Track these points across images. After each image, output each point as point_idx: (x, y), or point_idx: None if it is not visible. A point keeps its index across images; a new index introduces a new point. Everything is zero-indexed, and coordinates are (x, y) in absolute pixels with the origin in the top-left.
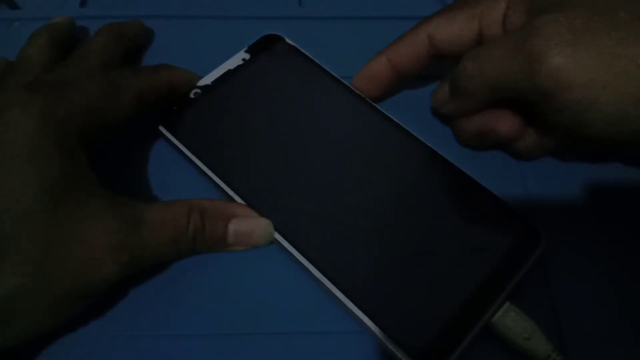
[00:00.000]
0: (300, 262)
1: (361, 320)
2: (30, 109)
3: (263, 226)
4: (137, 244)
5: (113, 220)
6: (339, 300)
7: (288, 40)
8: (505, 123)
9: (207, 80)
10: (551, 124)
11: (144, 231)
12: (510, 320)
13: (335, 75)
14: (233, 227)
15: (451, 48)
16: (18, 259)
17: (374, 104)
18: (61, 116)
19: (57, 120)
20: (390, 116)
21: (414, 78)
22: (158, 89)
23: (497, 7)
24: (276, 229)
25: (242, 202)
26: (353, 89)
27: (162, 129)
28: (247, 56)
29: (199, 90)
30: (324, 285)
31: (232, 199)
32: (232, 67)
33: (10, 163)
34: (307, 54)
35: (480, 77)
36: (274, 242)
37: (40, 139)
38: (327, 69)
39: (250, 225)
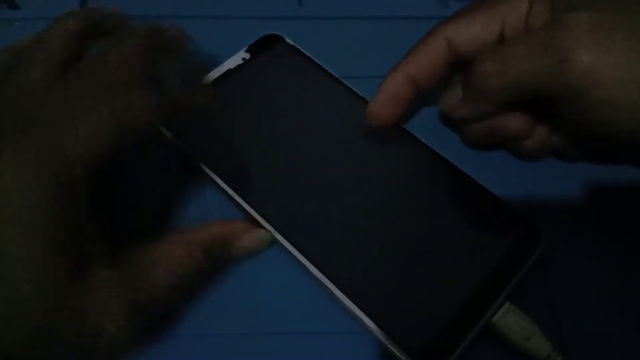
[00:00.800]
0: (300, 262)
1: (361, 320)
2: (26, 161)
3: (262, 239)
4: (146, 305)
5: (119, 292)
6: (339, 300)
7: (288, 40)
8: (516, 120)
9: (207, 80)
10: (571, 123)
11: (150, 288)
12: (511, 320)
13: (335, 75)
14: (236, 249)
15: (472, 51)
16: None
17: None
18: (64, 162)
19: (58, 169)
20: None
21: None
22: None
23: (520, 5)
24: (276, 229)
25: (242, 201)
26: (353, 89)
27: (162, 128)
28: (247, 56)
29: None
30: (324, 285)
31: (231, 198)
32: (232, 67)
33: (9, 230)
34: (307, 54)
35: (501, 76)
36: (275, 242)
37: (41, 201)
38: (327, 69)
39: (251, 242)
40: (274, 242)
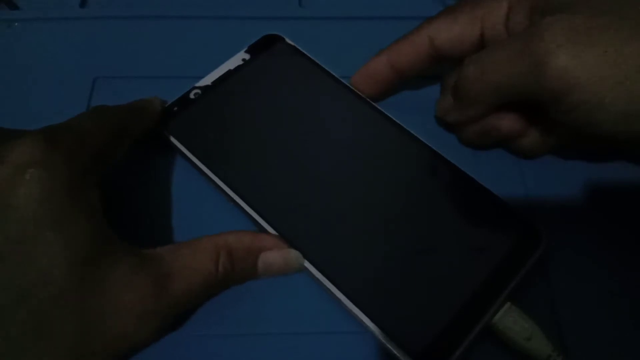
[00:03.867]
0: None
1: (362, 320)
2: (52, 167)
3: (293, 258)
4: (167, 304)
5: (141, 286)
6: (340, 300)
7: (288, 40)
8: (508, 121)
9: (207, 80)
10: (558, 124)
11: (173, 289)
12: (511, 320)
13: (335, 75)
14: (262, 261)
15: (452, 50)
16: (52, 343)
17: (375, 104)
18: (81, 171)
19: (78, 177)
20: (391, 116)
21: (415, 78)
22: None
23: (499, 8)
24: (276, 229)
25: (242, 202)
26: (353, 89)
27: (161, 129)
28: (247, 56)
29: (199, 91)
30: (325, 285)
31: (231, 199)
32: (232, 67)
33: (35, 233)
34: (307, 54)
35: (483, 81)
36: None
37: (63, 202)
38: (327, 69)
39: (279, 258)
40: (302, 267)
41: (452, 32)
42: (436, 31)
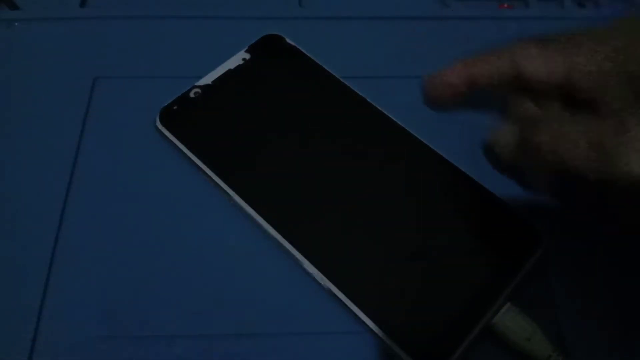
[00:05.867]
0: (301, 263)
1: (362, 320)
2: None
3: None
4: None
5: None
6: (340, 300)
7: (288, 40)
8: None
9: (207, 80)
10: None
11: None
12: (511, 320)
13: (335, 75)
14: None
15: (534, 83)
16: None
17: (375, 105)
18: None
19: None
20: (391, 117)
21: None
22: None
23: (602, 65)
24: (277, 229)
25: (242, 202)
26: (353, 89)
27: (161, 127)
28: (247, 56)
29: (199, 90)
30: (325, 285)
31: (231, 199)
32: (232, 67)
33: None
34: (307, 54)
35: (553, 154)
36: (275, 242)
37: None
38: (327, 69)
39: None
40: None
41: (540, 70)
42: (525, 62)
